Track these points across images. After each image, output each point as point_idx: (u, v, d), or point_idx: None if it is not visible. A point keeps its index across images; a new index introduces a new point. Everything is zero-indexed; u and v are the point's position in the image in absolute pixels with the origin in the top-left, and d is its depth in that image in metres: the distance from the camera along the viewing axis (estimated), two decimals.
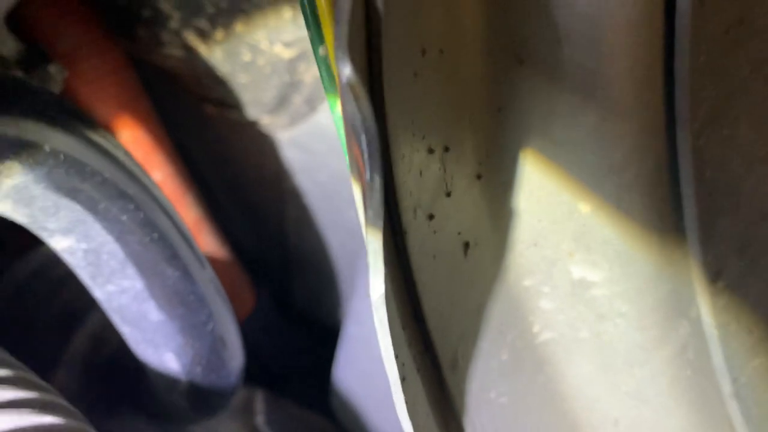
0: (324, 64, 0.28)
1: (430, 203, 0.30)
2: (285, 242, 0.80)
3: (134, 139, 0.62)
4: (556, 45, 0.28)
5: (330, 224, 0.75)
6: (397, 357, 0.27)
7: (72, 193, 0.36)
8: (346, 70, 0.20)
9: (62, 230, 0.37)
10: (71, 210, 0.36)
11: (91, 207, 0.37)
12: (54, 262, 0.59)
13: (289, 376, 0.82)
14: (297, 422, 0.67)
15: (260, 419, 0.61)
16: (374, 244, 0.23)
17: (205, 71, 0.61)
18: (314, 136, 0.66)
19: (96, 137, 0.38)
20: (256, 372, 0.70)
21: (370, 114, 0.21)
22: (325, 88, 0.29)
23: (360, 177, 0.22)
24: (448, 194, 0.31)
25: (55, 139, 0.35)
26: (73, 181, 0.36)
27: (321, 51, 0.28)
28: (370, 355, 0.62)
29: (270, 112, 0.64)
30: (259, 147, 0.69)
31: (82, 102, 0.59)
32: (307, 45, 0.58)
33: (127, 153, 0.40)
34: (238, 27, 0.57)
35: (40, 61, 0.53)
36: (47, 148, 0.34)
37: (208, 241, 0.71)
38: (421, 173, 0.29)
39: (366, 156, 0.21)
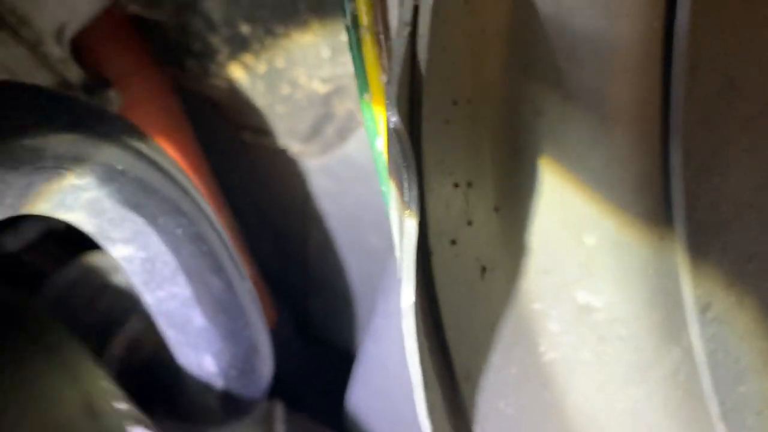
0: (368, 109, 0.33)
1: (453, 230, 0.35)
2: (306, 264, 0.82)
3: None
4: (569, 100, 0.33)
5: (351, 247, 0.77)
6: (421, 362, 0.31)
7: (136, 208, 0.41)
8: (393, 119, 0.25)
9: (124, 240, 0.42)
10: (134, 222, 0.41)
11: (152, 220, 0.41)
12: (92, 272, 0.63)
13: (303, 394, 0.84)
14: None
15: (281, 427, 0.65)
16: (409, 261, 0.27)
17: (246, 101, 0.65)
18: (342, 164, 0.69)
19: (156, 157, 0.43)
20: (272, 388, 0.72)
21: (411, 154, 0.25)
22: (367, 129, 0.33)
23: (399, 206, 0.27)
24: (470, 223, 0.35)
25: (125, 160, 0.40)
26: (138, 197, 0.40)
27: (366, 98, 0.33)
28: (385, 374, 0.65)
29: (303, 140, 0.68)
30: (290, 173, 0.72)
31: None
32: (342, 81, 0.63)
33: (182, 171, 0.44)
34: (280, 63, 0.62)
35: (101, 86, 0.58)
36: (119, 167, 0.39)
37: None
38: (447, 205, 0.33)
39: (406, 188, 0.26)
